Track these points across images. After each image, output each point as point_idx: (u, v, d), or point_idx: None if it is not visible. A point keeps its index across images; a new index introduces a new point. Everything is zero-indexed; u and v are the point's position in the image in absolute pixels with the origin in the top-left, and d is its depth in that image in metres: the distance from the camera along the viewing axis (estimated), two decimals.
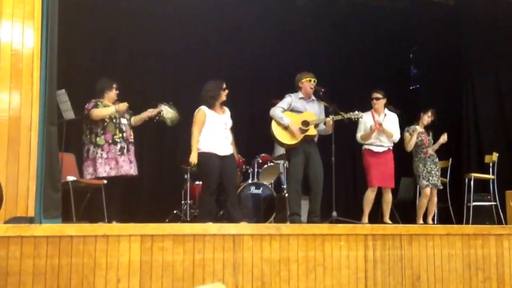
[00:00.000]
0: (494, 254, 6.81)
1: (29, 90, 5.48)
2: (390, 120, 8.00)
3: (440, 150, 8.27)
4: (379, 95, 7.98)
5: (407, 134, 8.20)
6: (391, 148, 7.96)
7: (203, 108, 6.94)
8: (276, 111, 7.33)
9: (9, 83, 5.44)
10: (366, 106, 8.02)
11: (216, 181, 6.85)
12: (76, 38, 8.43)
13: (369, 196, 7.84)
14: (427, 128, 8.32)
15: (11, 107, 5.42)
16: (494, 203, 8.63)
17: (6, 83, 5.42)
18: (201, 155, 6.82)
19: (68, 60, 8.08)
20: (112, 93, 7.03)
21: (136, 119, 7.19)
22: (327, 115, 7.42)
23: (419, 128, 8.14)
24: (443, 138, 8.19)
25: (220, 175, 6.88)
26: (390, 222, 7.77)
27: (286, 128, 7.28)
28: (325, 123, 7.38)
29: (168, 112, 7.24)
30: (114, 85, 7.06)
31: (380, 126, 7.79)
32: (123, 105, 6.97)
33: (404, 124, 8.28)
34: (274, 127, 7.33)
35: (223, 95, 7.04)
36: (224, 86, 7.05)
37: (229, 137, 7.06)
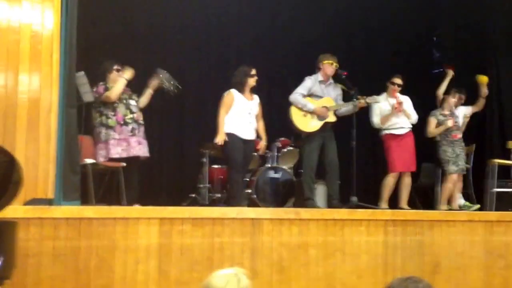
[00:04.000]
0: None
1: (48, 72, 5.47)
2: (404, 103, 7.85)
3: (463, 135, 8.15)
4: (400, 81, 7.85)
5: (431, 119, 8.06)
6: (411, 129, 7.85)
7: (233, 91, 7.04)
8: (297, 98, 7.28)
9: (29, 65, 5.42)
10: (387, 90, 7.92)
11: (241, 161, 6.98)
12: (96, 19, 8.37)
13: (390, 181, 7.70)
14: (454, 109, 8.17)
15: (31, 89, 5.40)
16: None
17: (26, 65, 5.41)
18: (226, 136, 6.90)
19: (88, 42, 8.04)
20: (113, 75, 6.88)
21: (142, 100, 7.04)
22: (350, 99, 7.34)
23: (449, 123, 7.96)
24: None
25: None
26: (407, 207, 7.66)
27: (305, 114, 7.23)
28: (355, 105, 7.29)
29: (167, 79, 7.07)
30: (115, 67, 6.92)
31: (399, 105, 7.65)
32: (129, 72, 6.84)
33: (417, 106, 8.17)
34: (294, 113, 7.29)
35: (251, 81, 7.12)
36: (252, 72, 7.11)
37: (253, 123, 7.12)
